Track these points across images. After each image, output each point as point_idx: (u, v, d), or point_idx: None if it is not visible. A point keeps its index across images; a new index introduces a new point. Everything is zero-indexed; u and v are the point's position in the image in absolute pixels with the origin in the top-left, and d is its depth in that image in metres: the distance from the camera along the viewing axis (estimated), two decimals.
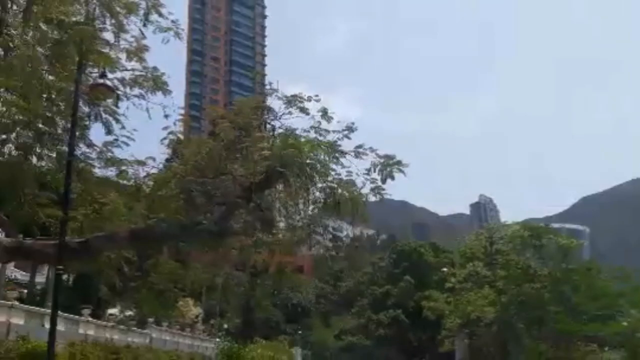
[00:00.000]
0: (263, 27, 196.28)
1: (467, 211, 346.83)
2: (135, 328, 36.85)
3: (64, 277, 34.44)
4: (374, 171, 15.87)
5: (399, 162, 15.49)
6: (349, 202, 16.91)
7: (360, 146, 15.74)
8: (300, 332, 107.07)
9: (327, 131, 15.40)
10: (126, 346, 28.43)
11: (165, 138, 14.92)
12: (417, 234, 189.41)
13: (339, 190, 16.63)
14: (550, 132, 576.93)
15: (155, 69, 14.30)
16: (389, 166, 15.60)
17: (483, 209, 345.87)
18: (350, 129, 16.05)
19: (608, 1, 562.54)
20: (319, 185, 15.40)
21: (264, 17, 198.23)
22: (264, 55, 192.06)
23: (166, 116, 14.44)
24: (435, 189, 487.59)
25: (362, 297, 65.46)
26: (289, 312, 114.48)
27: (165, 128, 14.78)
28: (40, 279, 37.57)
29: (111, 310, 63.71)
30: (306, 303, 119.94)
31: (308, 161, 14.00)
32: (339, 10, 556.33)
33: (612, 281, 39.09)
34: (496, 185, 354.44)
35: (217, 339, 62.13)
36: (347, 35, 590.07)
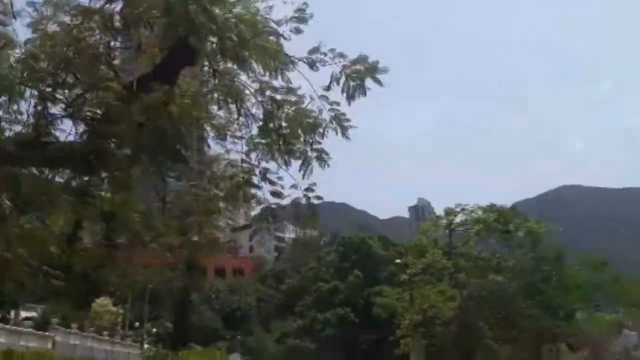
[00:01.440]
0: None
1: (405, 214, 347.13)
2: (31, 330, 30.15)
3: None
4: (337, 84, 10.66)
5: (374, 68, 10.06)
6: (299, 125, 11.69)
7: (317, 49, 10.38)
8: (239, 337, 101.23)
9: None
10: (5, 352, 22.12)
11: None
12: None
13: (287, 109, 11.41)
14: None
15: None
16: (358, 75, 10.33)
17: (421, 211, 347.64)
18: (302, 16, 10.48)
19: None
20: (255, 90, 10.17)
21: None
22: None
23: None
24: (374, 191, 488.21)
25: (307, 295, 59.85)
26: (227, 316, 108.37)
27: None
28: None
29: (27, 314, 56.20)
30: (246, 307, 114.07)
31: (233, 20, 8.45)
32: None
33: (585, 271, 35.10)
34: (435, 189, 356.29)
35: (146, 345, 55.69)
36: None
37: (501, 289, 36.85)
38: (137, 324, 60.76)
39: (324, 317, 54.15)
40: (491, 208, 35.91)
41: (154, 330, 71.34)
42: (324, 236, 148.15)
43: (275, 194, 13.67)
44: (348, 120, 12.84)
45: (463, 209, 38.20)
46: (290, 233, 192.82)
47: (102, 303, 45.14)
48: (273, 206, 13.24)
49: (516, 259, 36.29)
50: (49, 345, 30.65)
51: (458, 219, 39.23)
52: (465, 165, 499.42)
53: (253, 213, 13.36)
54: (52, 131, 8.86)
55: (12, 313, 54.34)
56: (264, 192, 13.72)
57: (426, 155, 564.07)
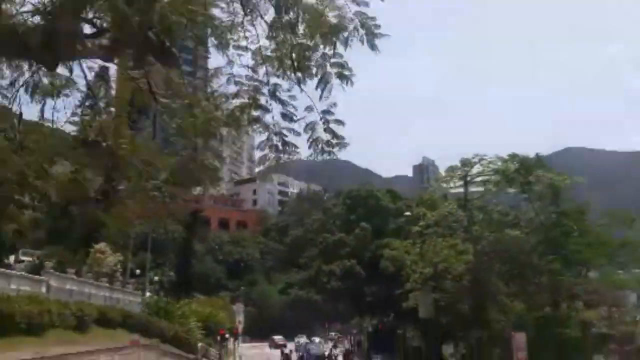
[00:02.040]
0: None
1: (409, 173, 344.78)
2: (22, 273, 28.56)
3: None
4: None
5: None
6: (317, 28, 9.78)
7: None
8: (243, 288, 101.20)
9: None
10: None
11: None
12: None
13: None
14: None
15: None
16: None
17: (426, 171, 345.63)
18: None
19: None
20: None
21: None
22: None
23: None
24: (378, 149, 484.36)
25: (312, 247, 58.36)
26: (231, 267, 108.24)
27: None
28: None
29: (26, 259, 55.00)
30: (249, 259, 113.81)
31: None
32: None
33: (611, 228, 33.07)
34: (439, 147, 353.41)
35: (148, 293, 54.69)
36: None
37: (517, 244, 35.03)
38: (138, 271, 59.75)
39: (329, 269, 52.62)
40: (513, 158, 33.65)
41: (156, 278, 70.59)
42: (327, 191, 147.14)
43: (287, 116, 11.55)
44: (378, 26, 10.62)
45: (481, 159, 36.00)
46: (294, 187, 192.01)
47: (101, 249, 43.73)
48: (284, 131, 11.18)
49: (535, 212, 34.28)
50: (43, 290, 29.15)
51: (475, 170, 37.10)
52: (470, 124, 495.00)
53: (258, 140, 11.33)
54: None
55: (12, 259, 53.29)
56: (273, 114, 11.63)
57: (431, 112, 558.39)
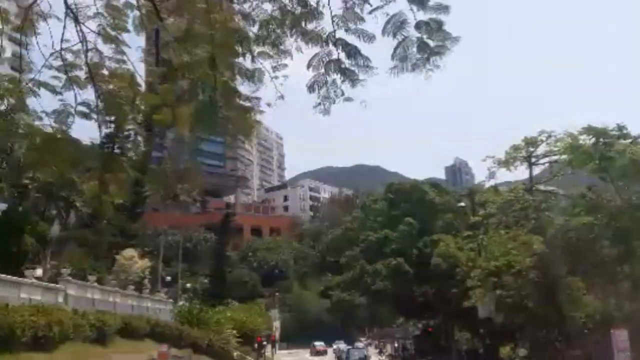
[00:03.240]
0: None
1: (442, 175, 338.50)
2: (34, 280, 25.13)
3: None
4: None
5: None
6: None
7: None
8: (278, 294, 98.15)
9: None
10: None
11: None
12: None
13: None
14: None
15: None
16: None
17: (458, 172, 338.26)
18: None
19: None
20: None
21: None
22: None
23: None
24: (407, 153, 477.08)
25: (353, 247, 54.01)
26: (265, 274, 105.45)
27: None
28: None
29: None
30: (283, 265, 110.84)
31: None
32: None
33: None
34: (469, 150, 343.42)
35: (181, 302, 51.58)
36: None
37: (593, 233, 30.36)
38: (169, 278, 56.58)
39: (374, 269, 48.23)
40: (588, 131, 28.89)
41: (188, 285, 67.63)
42: (357, 197, 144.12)
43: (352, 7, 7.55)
44: None
45: (549, 136, 31.50)
46: (325, 192, 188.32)
47: (128, 255, 40.39)
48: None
49: (617, 192, 29.50)
50: (60, 299, 25.83)
51: (541, 150, 32.64)
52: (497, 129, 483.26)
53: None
54: None
55: (39, 272, 50.43)
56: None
57: (461, 115, 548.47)
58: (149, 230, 77.31)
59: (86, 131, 9.14)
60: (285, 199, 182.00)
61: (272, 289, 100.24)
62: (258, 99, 7.72)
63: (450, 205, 51.38)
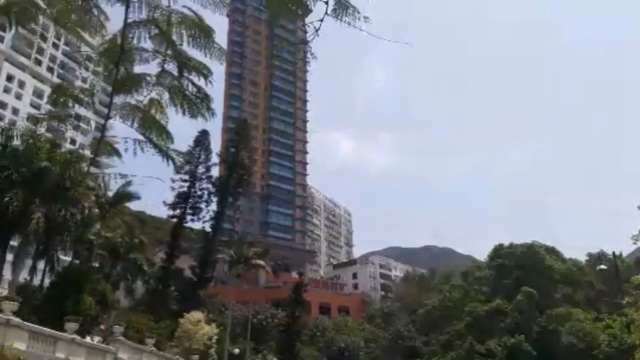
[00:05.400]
0: (304, 53, 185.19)
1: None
2: (76, 336, 21.93)
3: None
4: None
5: None
6: None
7: None
8: None
9: None
10: None
11: None
12: None
13: None
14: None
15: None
16: None
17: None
18: None
19: None
20: None
21: (306, 42, 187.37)
22: (305, 81, 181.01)
23: None
24: (478, 235, 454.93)
25: (444, 324, 47.44)
26: (332, 355, 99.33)
27: None
28: None
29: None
30: (353, 347, 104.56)
31: None
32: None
33: None
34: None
35: None
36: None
37: None
38: (237, 350, 52.56)
39: (486, 348, 41.56)
40: None
41: None
42: (432, 278, 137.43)
43: None
44: None
45: None
46: (396, 271, 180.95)
47: (195, 318, 36.82)
48: None
49: None
50: None
51: None
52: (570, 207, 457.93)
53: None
54: None
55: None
56: None
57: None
58: (216, 302, 74.86)
59: None
60: (354, 276, 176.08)
61: None
62: None
63: (570, 273, 44.61)
